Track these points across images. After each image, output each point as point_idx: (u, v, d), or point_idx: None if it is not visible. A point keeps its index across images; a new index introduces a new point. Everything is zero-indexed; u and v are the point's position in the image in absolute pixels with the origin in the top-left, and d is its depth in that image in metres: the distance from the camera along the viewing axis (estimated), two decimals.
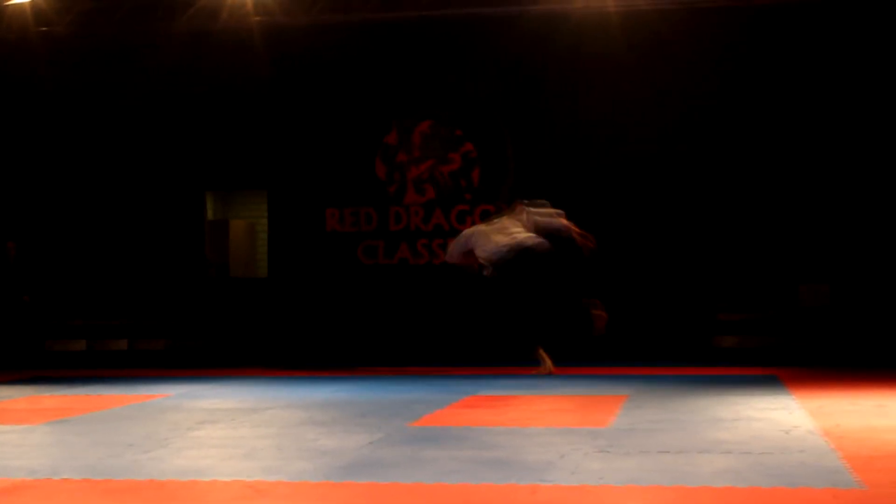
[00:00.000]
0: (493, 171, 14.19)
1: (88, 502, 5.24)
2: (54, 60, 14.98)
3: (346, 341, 14.19)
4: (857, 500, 4.90)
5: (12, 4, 13.99)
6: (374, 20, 14.17)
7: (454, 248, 11.72)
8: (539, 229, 11.44)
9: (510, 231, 11.31)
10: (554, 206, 13.94)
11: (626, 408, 8.33)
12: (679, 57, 13.64)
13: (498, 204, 12.22)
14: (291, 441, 6.97)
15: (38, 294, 14.56)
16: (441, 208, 14.24)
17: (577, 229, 11.53)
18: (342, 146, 14.51)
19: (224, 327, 14.66)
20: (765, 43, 13.54)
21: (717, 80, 13.64)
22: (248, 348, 14.41)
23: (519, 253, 11.14)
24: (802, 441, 6.50)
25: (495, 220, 11.60)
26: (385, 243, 14.34)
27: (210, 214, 15.72)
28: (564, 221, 11.58)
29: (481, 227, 11.62)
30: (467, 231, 11.79)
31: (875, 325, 12.94)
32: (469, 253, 11.50)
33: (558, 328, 11.70)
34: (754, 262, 13.47)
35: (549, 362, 11.33)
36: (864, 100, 13.26)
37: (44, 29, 14.47)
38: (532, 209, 11.62)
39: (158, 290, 14.92)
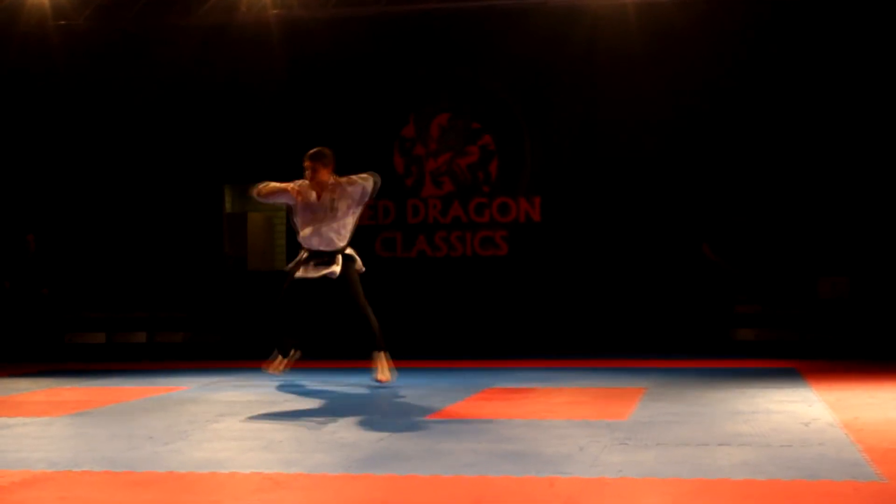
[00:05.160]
0: (510, 163, 14.17)
1: (108, 494, 5.26)
2: (72, 54, 15.01)
3: (364, 334, 14.18)
4: (878, 493, 4.89)
5: None
6: (391, 13, 14.17)
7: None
8: None
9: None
10: (572, 198, 13.98)
11: (644, 400, 8.32)
12: (696, 49, 13.60)
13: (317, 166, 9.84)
14: (310, 433, 6.98)
15: (57, 287, 14.61)
16: (459, 201, 14.23)
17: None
18: (360, 139, 14.51)
19: (242, 320, 14.69)
20: (782, 34, 13.49)
21: (734, 72, 13.60)
22: (267, 341, 14.40)
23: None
24: (822, 434, 6.49)
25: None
26: (403, 236, 14.34)
27: (228, 207, 15.75)
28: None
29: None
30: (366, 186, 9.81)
31: (894, 317, 12.88)
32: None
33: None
34: (773, 254, 13.43)
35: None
36: (885, 91, 13.19)
37: (62, 23, 14.51)
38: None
39: (177, 283, 14.96)
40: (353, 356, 11.41)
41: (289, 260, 14.97)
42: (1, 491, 5.33)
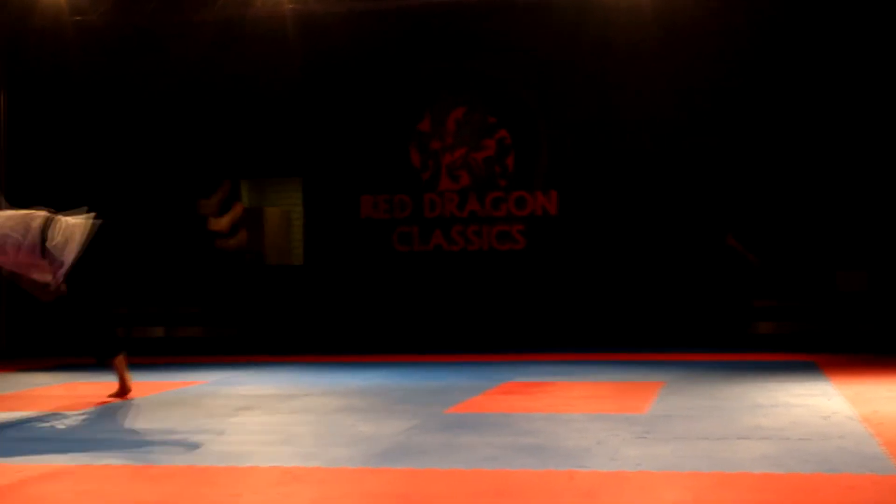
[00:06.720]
0: (527, 157, 14.15)
1: (127, 488, 5.28)
2: (88, 50, 15.03)
3: (382, 328, 14.21)
4: None
5: None
6: (406, 7, 14.15)
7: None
8: None
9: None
10: (590, 191, 13.96)
11: (662, 394, 8.31)
12: (712, 43, 13.53)
13: None
14: (328, 427, 7.00)
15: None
16: (476, 195, 14.22)
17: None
18: (376, 133, 14.51)
19: (260, 314, 14.71)
20: (799, 26, 13.42)
21: (751, 65, 13.53)
22: (284, 335, 14.45)
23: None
24: (841, 427, 6.47)
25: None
26: (420, 230, 14.33)
27: (245, 202, 15.76)
28: None
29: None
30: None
31: None
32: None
33: None
34: (792, 248, 13.39)
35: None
36: None
37: (77, 18, 14.53)
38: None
39: (194, 278, 14.97)
40: (371, 351, 11.43)
41: (306, 254, 15.06)
42: (21, 484, 5.35)
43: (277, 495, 5.00)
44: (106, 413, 7.97)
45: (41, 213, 8.51)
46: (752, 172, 13.45)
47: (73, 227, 8.57)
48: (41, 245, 8.33)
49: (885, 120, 13.10)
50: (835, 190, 13.24)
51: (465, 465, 5.51)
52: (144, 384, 10.00)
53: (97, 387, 9.98)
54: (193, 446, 6.31)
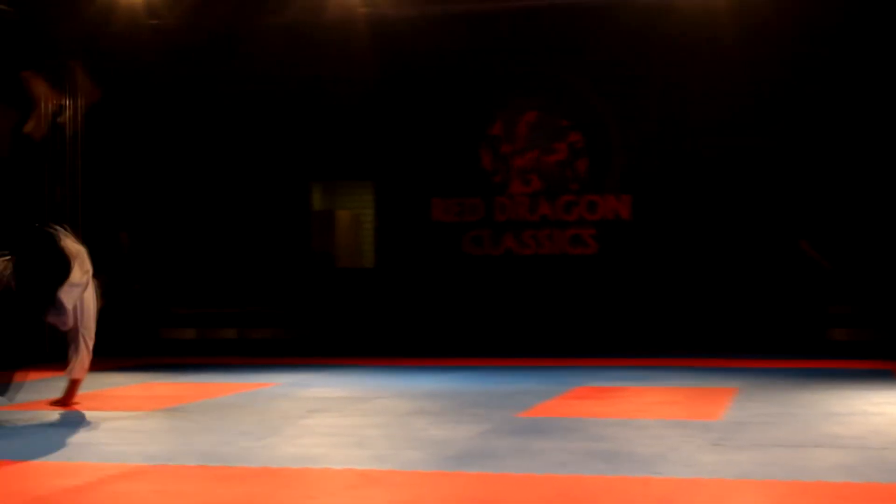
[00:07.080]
0: (599, 161, 14.09)
1: (203, 488, 5.32)
2: (164, 53, 15.19)
3: (453, 331, 14.22)
4: None
5: None
6: (478, 11, 14.15)
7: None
8: None
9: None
10: (663, 196, 13.86)
11: (737, 400, 8.24)
12: (787, 45, 13.40)
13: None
14: (401, 430, 7.01)
15: (150, 283, 14.80)
16: (547, 199, 14.19)
17: None
18: (447, 137, 14.53)
19: (331, 317, 14.78)
20: (877, 31, 13.24)
21: (827, 69, 13.38)
22: (355, 337, 14.51)
23: None
24: None
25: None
26: (491, 233, 14.33)
27: (316, 205, 15.86)
28: None
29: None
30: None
31: None
32: None
33: None
34: (867, 253, 13.20)
35: None
36: None
37: (154, 22, 14.69)
38: None
39: (266, 280, 15.09)
40: (442, 354, 11.44)
41: (377, 257, 15.11)
42: (99, 483, 5.43)
43: (352, 498, 5.02)
44: (180, 414, 8.05)
45: None
46: (828, 177, 13.30)
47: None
48: None
49: None
50: None
51: (538, 471, 5.50)
52: (218, 385, 10.10)
53: (173, 387, 10.09)
54: (267, 448, 6.36)
